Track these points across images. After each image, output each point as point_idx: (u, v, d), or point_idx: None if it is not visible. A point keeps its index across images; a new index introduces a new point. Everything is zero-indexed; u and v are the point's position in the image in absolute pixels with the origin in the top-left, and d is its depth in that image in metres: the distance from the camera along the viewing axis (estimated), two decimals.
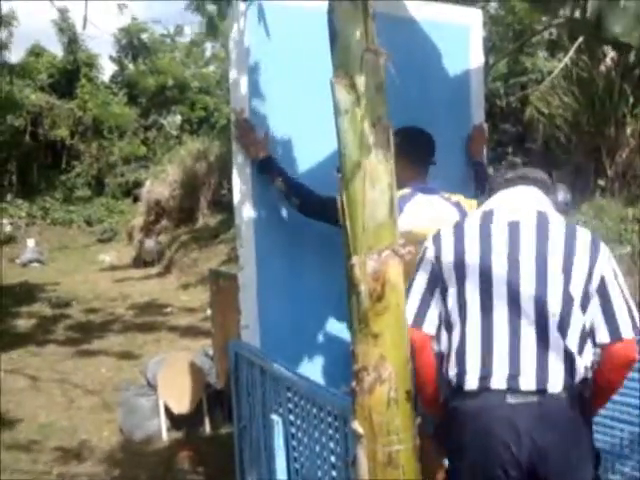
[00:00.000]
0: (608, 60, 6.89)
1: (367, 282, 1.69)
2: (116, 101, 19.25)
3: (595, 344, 1.95)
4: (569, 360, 1.89)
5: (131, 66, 20.33)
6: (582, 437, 1.93)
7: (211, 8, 2.27)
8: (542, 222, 1.99)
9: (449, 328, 2.01)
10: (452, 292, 2.01)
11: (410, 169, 2.65)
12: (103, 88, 19.38)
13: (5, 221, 16.94)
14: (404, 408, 1.69)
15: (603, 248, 1.98)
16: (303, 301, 2.95)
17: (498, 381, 1.89)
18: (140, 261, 14.55)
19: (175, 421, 4.87)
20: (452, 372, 1.97)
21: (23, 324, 8.99)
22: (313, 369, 2.95)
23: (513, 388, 1.87)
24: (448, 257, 2.02)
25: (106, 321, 9.25)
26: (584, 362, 1.92)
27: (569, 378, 1.89)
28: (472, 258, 1.99)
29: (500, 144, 8.07)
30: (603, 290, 1.93)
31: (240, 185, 2.89)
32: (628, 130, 6.76)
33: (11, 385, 6.15)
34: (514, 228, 1.99)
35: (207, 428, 4.80)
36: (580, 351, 1.91)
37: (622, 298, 1.93)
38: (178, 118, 20.40)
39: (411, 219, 2.51)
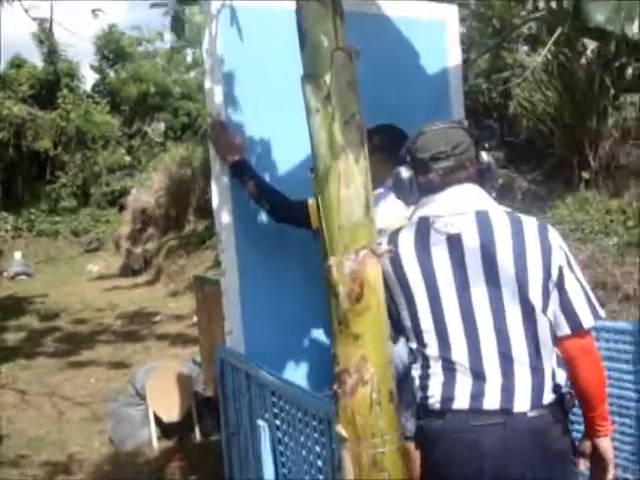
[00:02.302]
0: (589, 52, 6.90)
1: (345, 283, 1.66)
2: (98, 110, 19.14)
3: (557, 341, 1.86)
4: (537, 375, 1.80)
5: (112, 74, 20.26)
6: (555, 462, 1.81)
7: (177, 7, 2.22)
8: (484, 226, 1.84)
9: (411, 348, 1.94)
10: (405, 315, 1.91)
11: (385, 168, 2.63)
12: (85, 97, 19.27)
13: None
14: (387, 409, 1.67)
15: (553, 235, 1.86)
16: (287, 304, 2.93)
17: (460, 401, 1.80)
18: (128, 270, 14.48)
19: (166, 430, 4.83)
20: (418, 394, 1.89)
21: (12, 338, 8.92)
22: (299, 372, 2.93)
23: (475, 408, 1.78)
24: (391, 278, 1.90)
25: (95, 331, 9.20)
26: (555, 376, 1.83)
27: (538, 395, 1.79)
28: (416, 282, 1.87)
29: (482, 139, 8.06)
30: (561, 282, 1.82)
31: (219, 190, 2.86)
32: (610, 121, 6.77)
33: (0, 400, 6.09)
34: (455, 243, 1.85)
35: (197, 435, 4.76)
36: (549, 364, 1.82)
37: (578, 285, 1.84)
38: (162, 125, 20.33)
39: (384, 220, 2.48)
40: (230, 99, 2.87)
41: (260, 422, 2.40)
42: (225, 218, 2.87)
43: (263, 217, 2.90)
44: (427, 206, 1.93)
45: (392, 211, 2.58)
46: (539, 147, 7.35)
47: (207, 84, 2.84)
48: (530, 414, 1.77)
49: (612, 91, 6.70)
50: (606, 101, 6.74)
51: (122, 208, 17.21)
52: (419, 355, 1.90)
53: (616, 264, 5.36)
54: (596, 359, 1.89)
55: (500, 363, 1.80)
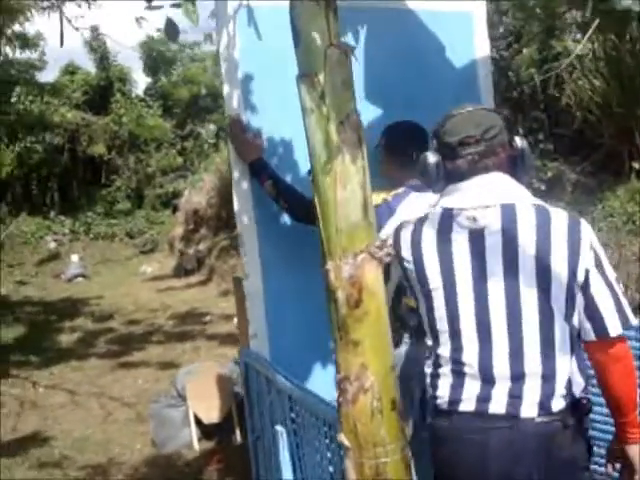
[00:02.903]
0: None
1: (343, 287, 1.62)
2: (151, 113, 19.42)
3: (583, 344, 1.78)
4: (548, 384, 1.73)
5: (164, 78, 20.49)
6: (563, 469, 1.74)
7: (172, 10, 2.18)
8: (508, 222, 1.75)
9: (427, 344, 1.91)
10: (423, 311, 1.89)
11: (404, 167, 2.56)
12: (137, 102, 19.55)
13: (49, 238, 17.24)
14: (389, 418, 1.62)
15: (584, 233, 1.74)
16: (312, 306, 2.87)
17: (467, 403, 1.76)
18: (181, 270, 14.63)
19: (207, 431, 4.84)
20: (429, 391, 1.87)
21: (65, 339, 9.10)
22: (326, 376, 2.87)
23: (481, 411, 1.75)
24: (411, 274, 1.87)
25: (146, 332, 9.31)
26: (570, 383, 1.75)
27: (546, 403, 1.72)
28: (434, 279, 1.82)
29: (531, 132, 7.87)
30: (587, 286, 1.72)
31: (239, 194, 2.84)
32: None
33: (49, 401, 6.22)
34: (477, 238, 1.78)
35: (238, 437, 4.76)
36: (564, 372, 1.75)
37: (607, 289, 1.72)
38: (213, 126, 20.47)
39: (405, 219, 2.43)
40: (248, 101, 2.85)
41: (278, 427, 2.38)
42: (246, 221, 2.86)
43: (285, 219, 2.87)
44: (452, 196, 1.85)
45: (411, 213, 2.52)
46: (588, 137, 7.14)
47: (225, 87, 2.83)
48: (538, 420, 1.71)
49: None
50: None
51: (175, 209, 17.41)
52: (432, 353, 1.87)
53: None
54: (627, 366, 1.77)
55: (510, 369, 1.74)
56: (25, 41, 9.11)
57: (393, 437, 1.61)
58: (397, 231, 1.93)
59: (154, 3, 2.20)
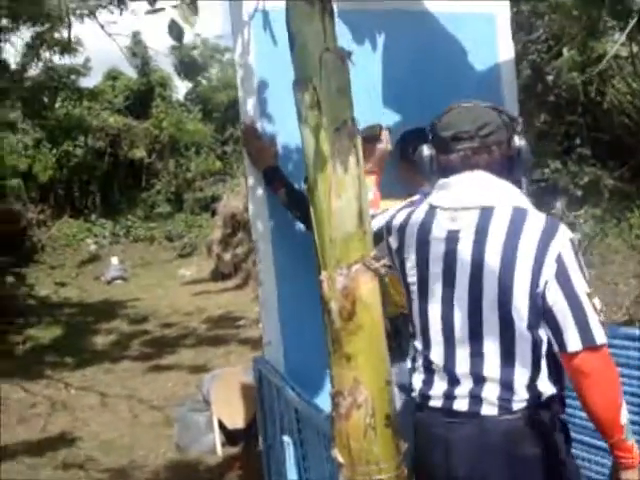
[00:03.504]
0: None
1: (337, 299, 1.57)
2: (191, 118, 19.59)
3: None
4: (506, 390, 1.71)
5: (204, 82, 20.64)
6: (523, 466, 1.70)
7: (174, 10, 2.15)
8: (482, 227, 1.72)
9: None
10: (406, 299, 1.92)
11: (418, 173, 2.51)
12: (178, 106, 19.75)
13: (90, 240, 17.51)
14: (383, 435, 1.57)
15: (557, 242, 1.67)
16: None
17: (435, 400, 1.78)
18: (218, 274, 14.70)
19: (231, 436, 4.83)
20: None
21: (100, 341, 9.21)
22: None
23: (447, 408, 1.76)
24: (395, 260, 1.90)
25: (180, 335, 9.36)
26: (533, 388, 1.71)
27: (506, 405, 1.70)
28: (411, 274, 1.85)
29: (567, 136, 7.71)
30: (545, 298, 1.66)
31: (254, 201, 2.82)
32: None
33: (80, 402, 6.30)
34: (452, 240, 1.76)
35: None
36: (524, 379, 1.71)
37: (566, 303, 1.64)
38: None
39: None
40: (264, 107, 2.82)
41: (285, 438, 2.34)
42: (262, 227, 2.83)
43: (300, 227, 2.83)
44: (439, 192, 1.84)
45: None
46: (626, 142, 6.96)
47: (240, 93, 2.80)
48: (500, 417, 1.71)
49: None
50: None
51: (214, 213, 17.49)
52: (412, 344, 1.91)
53: None
54: (598, 382, 1.67)
55: (471, 371, 1.75)
56: (64, 47, 9.28)
57: (387, 455, 1.56)
58: (391, 219, 1.94)
59: (157, 5, 2.18)
